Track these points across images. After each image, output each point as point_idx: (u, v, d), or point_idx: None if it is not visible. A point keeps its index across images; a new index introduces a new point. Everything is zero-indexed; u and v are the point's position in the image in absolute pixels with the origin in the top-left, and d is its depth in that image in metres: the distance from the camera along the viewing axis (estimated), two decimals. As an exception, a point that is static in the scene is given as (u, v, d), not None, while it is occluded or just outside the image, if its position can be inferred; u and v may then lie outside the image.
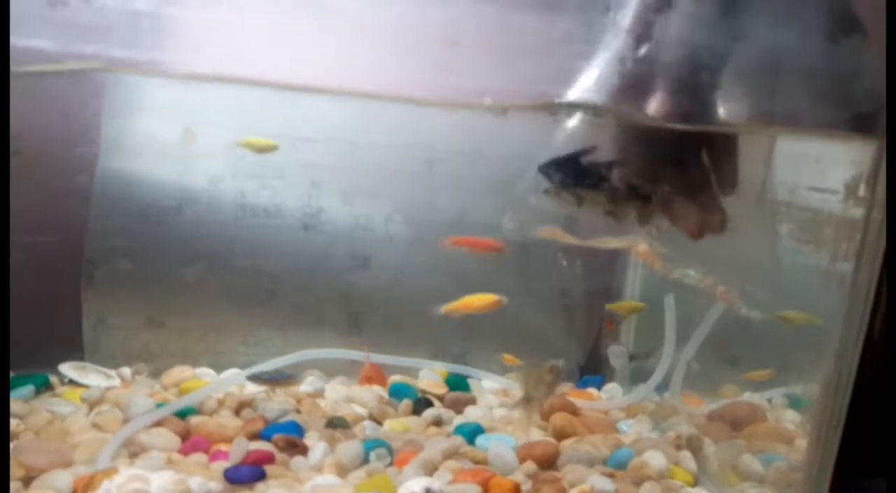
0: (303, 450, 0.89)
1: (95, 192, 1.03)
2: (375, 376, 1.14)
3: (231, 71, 0.73)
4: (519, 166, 1.14)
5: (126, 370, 1.07)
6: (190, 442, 0.90)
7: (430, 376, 1.16)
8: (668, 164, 0.79)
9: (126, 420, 0.92)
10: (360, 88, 0.80)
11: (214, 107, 1.03)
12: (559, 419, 1.02)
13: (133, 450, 0.86)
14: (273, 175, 1.12)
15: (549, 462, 0.92)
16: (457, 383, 1.15)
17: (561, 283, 1.22)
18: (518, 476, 0.88)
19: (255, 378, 1.01)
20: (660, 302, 1.05)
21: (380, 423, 1.01)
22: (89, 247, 1.05)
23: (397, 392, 1.09)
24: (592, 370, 1.23)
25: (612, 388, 1.20)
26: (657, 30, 0.71)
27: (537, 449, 0.93)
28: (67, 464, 0.82)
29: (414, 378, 1.16)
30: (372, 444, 0.91)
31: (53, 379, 1.04)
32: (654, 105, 0.72)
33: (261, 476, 0.82)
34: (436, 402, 1.09)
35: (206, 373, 1.12)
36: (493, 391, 1.17)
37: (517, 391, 1.11)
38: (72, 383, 1.04)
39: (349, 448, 0.89)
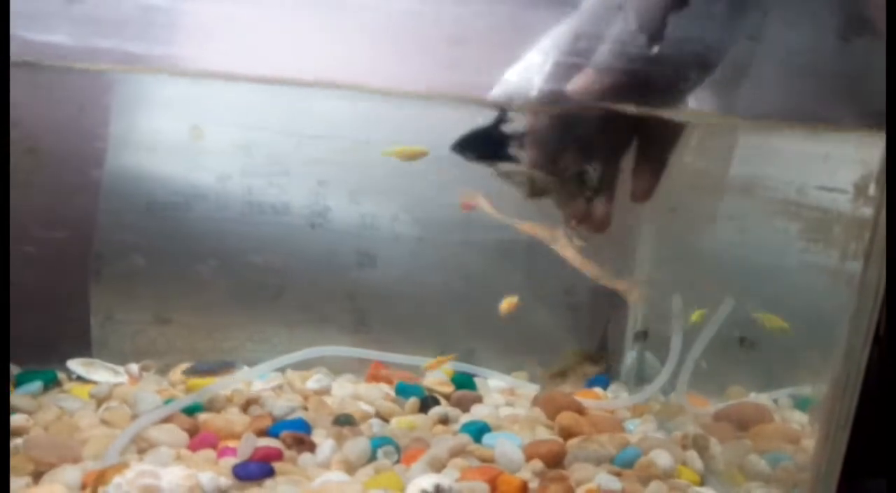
0: (310, 447, 0.90)
1: (104, 188, 1.04)
2: (382, 374, 1.15)
3: (241, 67, 0.73)
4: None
5: (134, 367, 1.07)
6: (198, 438, 0.90)
7: (436, 374, 1.16)
8: (589, 152, 0.79)
9: (134, 416, 0.92)
10: (368, 84, 0.80)
11: (223, 103, 1.04)
12: (566, 418, 1.02)
13: (141, 446, 0.87)
14: (280, 172, 1.12)
15: (555, 461, 0.92)
16: (463, 381, 1.15)
17: (566, 282, 1.22)
18: (525, 474, 0.89)
19: (190, 373, 0.99)
20: (667, 300, 1.05)
21: (387, 421, 1.01)
22: (97, 243, 1.05)
23: (404, 391, 1.10)
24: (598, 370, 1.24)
25: (617, 387, 1.20)
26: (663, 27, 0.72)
27: (544, 448, 0.93)
28: (76, 459, 0.82)
29: (420, 376, 1.16)
30: (379, 441, 0.91)
31: (61, 375, 1.04)
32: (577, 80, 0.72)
33: (269, 473, 0.82)
34: (442, 400, 1.09)
35: (213, 370, 1.12)
36: (499, 390, 1.17)
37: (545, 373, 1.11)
38: (80, 379, 1.04)
39: (357, 445, 0.89)
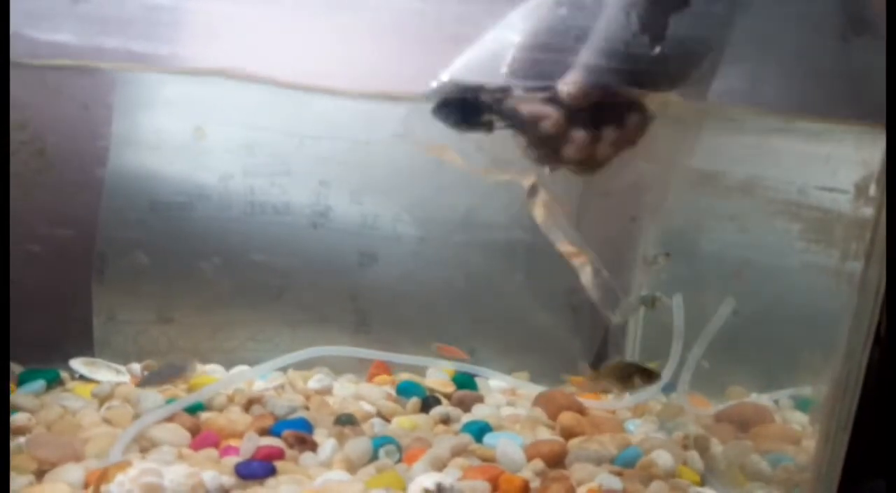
0: (312, 446, 0.90)
1: (107, 187, 1.04)
2: (383, 373, 1.15)
3: (244, 66, 0.74)
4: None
5: (136, 366, 1.08)
6: (200, 437, 0.90)
7: (437, 374, 1.17)
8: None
9: (136, 416, 0.93)
10: (369, 85, 0.80)
11: (225, 103, 1.04)
12: (567, 418, 1.03)
13: (144, 445, 0.87)
14: (282, 172, 1.13)
15: (556, 461, 0.93)
16: (464, 381, 1.16)
17: (568, 282, 1.22)
18: (526, 474, 0.89)
19: (146, 383, 0.98)
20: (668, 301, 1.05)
21: (388, 420, 1.01)
22: (100, 242, 1.05)
23: (405, 390, 1.10)
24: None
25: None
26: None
27: (545, 448, 0.93)
28: (79, 458, 0.82)
29: (422, 376, 1.16)
30: (381, 441, 0.91)
31: (64, 374, 1.04)
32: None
33: (271, 472, 0.82)
34: (443, 400, 1.09)
35: (214, 369, 1.12)
36: (500, 390, 1.17)
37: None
38: (82, 378, 1.04)
39: (358, 445, 0.89)
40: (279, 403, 1.00)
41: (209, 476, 0.76)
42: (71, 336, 1.06)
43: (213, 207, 1.10)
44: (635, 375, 0.92)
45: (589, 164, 0.79)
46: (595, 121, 0.76)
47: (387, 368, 1.16)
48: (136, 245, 1.06)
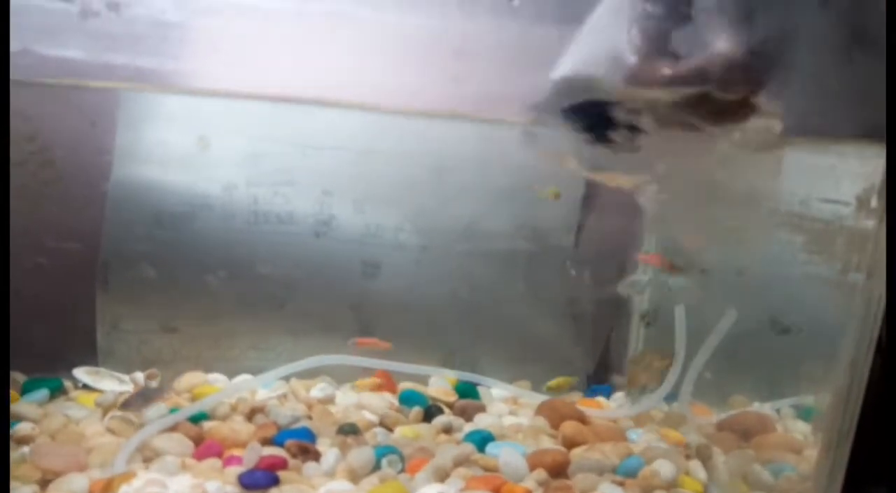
0: (315, 456, 0.90)
1: (110, 198, 1.04)
2: (385, 382, 1.15)
3: (250, 82, 0.74)
4: (527, 175, 1.16)
5: (139, 375, 1.08)
6: (203, 447, 0.90)
7: (439, 383, 1.17)
8: None
9: (140, 425, 0.93)
10: (373, 100, 0.81)
11: (229, 114, 1.05)
12: (569, 427, 1.03)
13: (147, 455, 0.87)
14: (286, 182, 1.13)
15: (559, 470, 0.93)
16: (466, 390, 1.16)
17: (569, 291, 1.23)
18: (529, 484, 0.89)
19: (127, 407, 0.95)
20: (670, 311, 1.05)
21: (391, 430, 1.01)
22: (104, 252, 1.06)
23: (407, 399, 1.10)
24: (601, 380, 1.24)
25: (620, 397, 1.20)
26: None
27: (547, 457, 0.94)
28: (83, 468, 0.83)
29: (424, 385, 1.16)
30: (383, 450, 0.91)
31: (67, 383, 1.04)
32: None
33: (274, 481, 0.83)
34: (446, 409, 1.09)
35: (217, 379, 1.13)
36: (502, 399, 1.17)
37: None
38: (86, 387, 1.04)
39: (361, 454, 0.90)
40: (282, 412, 1.00)
41: (213, 487, 0.76)
42: (74, 346, 1.06)
43: (216, 217, 1.10)
44: (655, 361, 0.92)
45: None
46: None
47: (390, 377, 1.16)
48: (140, 255, 1.07)
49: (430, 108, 0.88)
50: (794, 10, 0.72)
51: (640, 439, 1.06)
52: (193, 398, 1.03)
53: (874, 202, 0.70)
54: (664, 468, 0.93)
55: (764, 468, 0.91)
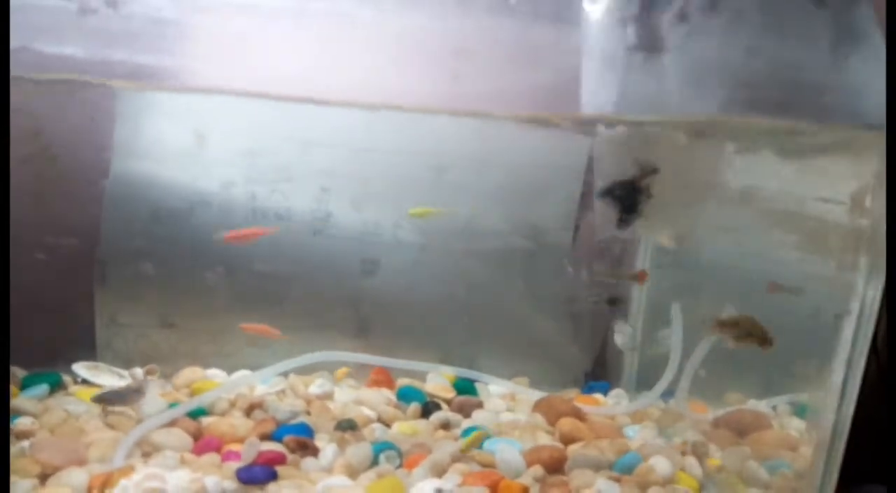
0: (313, 451, 0.90)
1: (108, 194, 1.05)
2: (383, 379, 1.15)
3: (248, 81, 0.74)
4: (526, 174, 1.16)
5: (138, 371, 1.08)
6: (202, 442, 0.91)
7: (437, 380, 1.17)
8: None
9: (139, 420, 0.93)
10: (372, 97, 0.81)
11: (227, 111, 1.05)
12: (566, 423, 1.03)
13: (146, 449, 0.88)
14: (284, 179, 1.13)
15: (556, 466, 0.93)
16: (464, 387, 1.16)
17: (567, 290, 1.23)
18: (526, 480, 0.89)
19: (100, 400, 0.95)
20: (667, 309, 1.06)
21: (388, 426, 1.02)
22: (102, 248, 1.06)
23: (406, 396, 1.10)
24: (598, 376, 1.24)
25: (618, 393, 1.21)
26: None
27: (544, 453, 0.94)
28: (82, 462, 0.83)
29: (422, 382, 1.17)
30: (381, 446, 0.92)
31: (66, 378, 1.05)
32: None
33: (273, 477, 0.83)
34: (444, 405, 1.10)
35: (216, 374, 1.13)
36: (500, 396, 1.18)
37: None
38: (85, 382, 1.05)
39: (359, 450, 0.90)
40: (280, 408, 1.00)
41: (212, 482, 0.77)
42: (73, 341, 1.07)
43: (214, 213, 1.10)
44: (752, 334, 0.90)
45: None
46: None
47: (388, 374, 1.17)
48: (138, 251, 1.07)
49: (429, 105, 0.88)
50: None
51: (637, 435, 1.07)
52: (192, 394, 1.04)
53: (868, 202, 0.71)
54: (660, 465, 0.94)
55: (760, 465, 0.91)
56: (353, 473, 0.88)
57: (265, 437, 0.93)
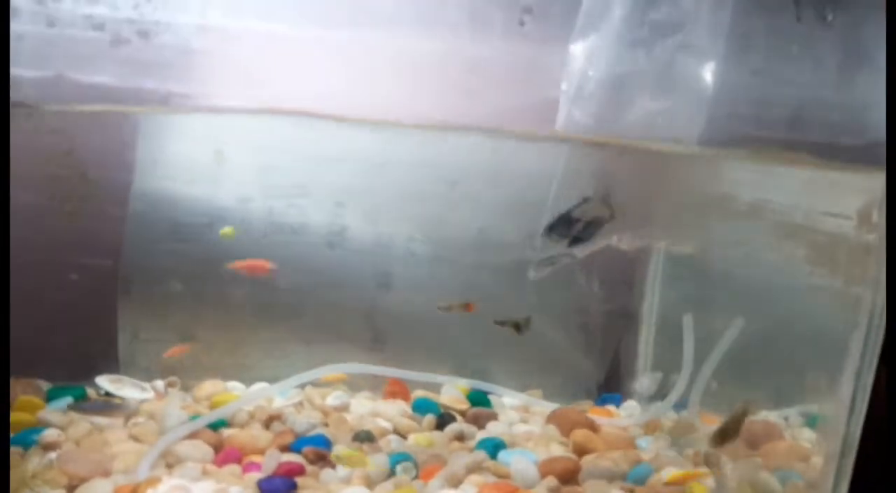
0: (332, 463, 0.92)
1: (131, 210, 1.07)
2: (399, 390, 1.17)
3: (271, 101, 0.77)
4: (539, 187, 1.18)
5: (160, 383, 1.10)
6: (223, 454, 0.93)
7: (451, 391, 1.19)
8: None
9: (161, 432, 0.95)
10: (389, 116, 0.84)
11: (245, 128, 1.07)
12: (579, 435, 1.04)
13: (169, 461, 0.90)
14: (300, 194, 1.15)
15: (570, 477, 0.95)
16: (478, 398, 1.18)
17: (579, 301, 1.24)
18: (540, 490, 0.91)
19: (77, 409, 0.98)
20: (678, 321, 1.07)
21: (405, 437, 1.04)
22: (125, 264, 1.09)
23: (421, 408, 1.12)
24: (611, 388, 1.26)
25: (630, 405, 1.22)
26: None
27: (558, 464, 0.95)
28: (107, 473, 0.85)
29: (436, 394, 1.18)
30: (398, 457, 0.94)
31: (90, 391, 1.07)
32: None
33: (293, 487, 0.85)
34: (458, 417, 1.11)
35: (235, 386, 1.15)
36: (514, 407, 1.19)
37: None
38: (108, 395, 1.07)
39: (376, 462, 0.92)
40: (299, 420, 1.02)
41: (235, 492, 0.79)
42: (97, 354, 1.09)
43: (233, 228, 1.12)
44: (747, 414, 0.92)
45: None
46: None
47: (404, 386, 1.18)
48: (160, 267, 1.10)
49: (443, 122, 0.90)
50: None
51: (650, 447, 1.08)
52: (212, 406, 1.06)
53: (875, 216, 0.72)
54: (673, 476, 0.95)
55: (771, 476, 0.92)
56: (370, 484, 0.89)
57: (284, 448, 0.94)
